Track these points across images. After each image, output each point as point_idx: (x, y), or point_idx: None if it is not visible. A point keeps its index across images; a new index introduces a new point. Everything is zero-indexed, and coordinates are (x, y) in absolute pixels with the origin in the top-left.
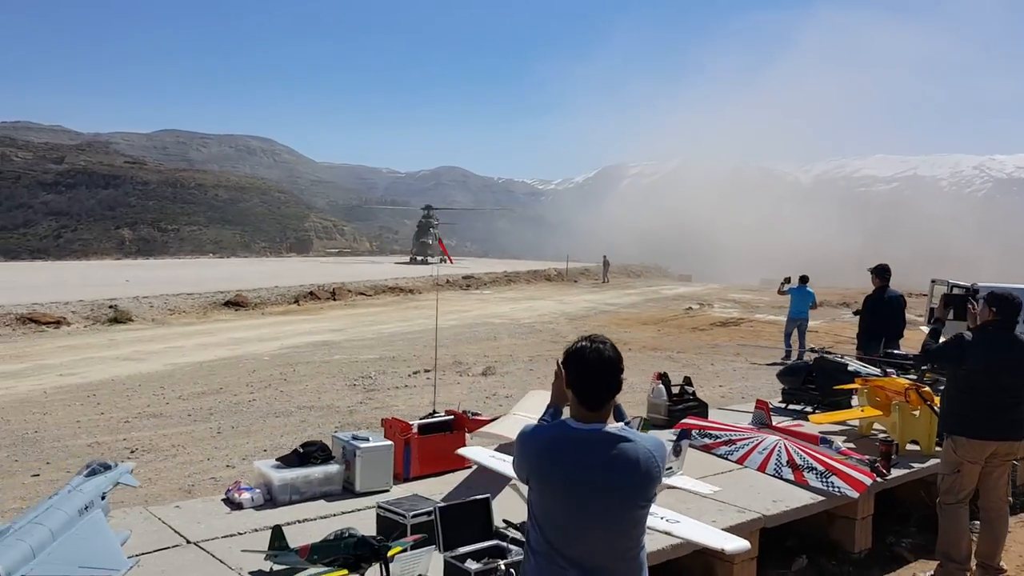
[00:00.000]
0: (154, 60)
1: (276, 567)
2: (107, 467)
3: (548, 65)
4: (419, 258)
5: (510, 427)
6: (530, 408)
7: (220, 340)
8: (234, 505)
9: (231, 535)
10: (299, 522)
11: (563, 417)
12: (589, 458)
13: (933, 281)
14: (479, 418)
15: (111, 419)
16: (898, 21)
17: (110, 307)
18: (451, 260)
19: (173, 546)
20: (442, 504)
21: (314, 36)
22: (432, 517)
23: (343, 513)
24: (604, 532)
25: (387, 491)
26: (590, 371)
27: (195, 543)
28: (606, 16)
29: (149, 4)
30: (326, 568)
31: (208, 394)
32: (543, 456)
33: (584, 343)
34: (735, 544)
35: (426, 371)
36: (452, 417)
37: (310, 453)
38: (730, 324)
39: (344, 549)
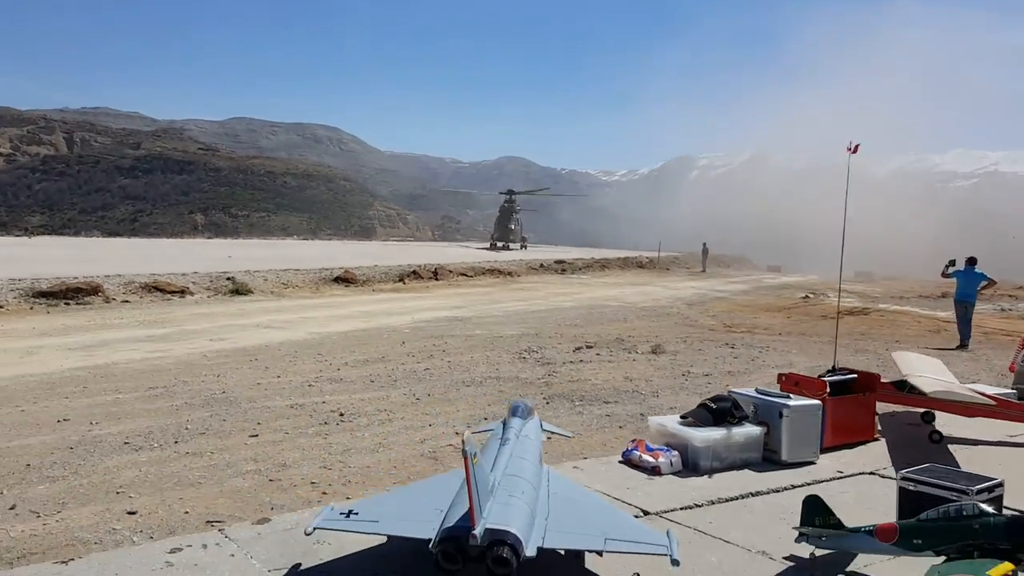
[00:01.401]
0: (226, 49)
1: (820, 550)
2: (528, 410)
3: (613, 55)
4: (500, 244)
5: (949, 386)
6: (923, 369)
7: (348, 313)
8: (644, 468)
9: (688, 507)
10: (744, 497)
11: None
12: None
13: None
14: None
15: (292, 383)
16: (982, 10)
17: (227, 279)
18: None
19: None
20: None
21: (379, 26)
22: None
23: (792, 487)
24: None
25: (814, 463)
26: None
27: (657, 514)
28: (676, 5)
29: None
30: (958, 556)
31: (373, 362)
32: None
33: None
34: None
35: (588, 347)
36: (855, 376)
37: (724, 410)
38: (858, 313)
39: (984, 533)
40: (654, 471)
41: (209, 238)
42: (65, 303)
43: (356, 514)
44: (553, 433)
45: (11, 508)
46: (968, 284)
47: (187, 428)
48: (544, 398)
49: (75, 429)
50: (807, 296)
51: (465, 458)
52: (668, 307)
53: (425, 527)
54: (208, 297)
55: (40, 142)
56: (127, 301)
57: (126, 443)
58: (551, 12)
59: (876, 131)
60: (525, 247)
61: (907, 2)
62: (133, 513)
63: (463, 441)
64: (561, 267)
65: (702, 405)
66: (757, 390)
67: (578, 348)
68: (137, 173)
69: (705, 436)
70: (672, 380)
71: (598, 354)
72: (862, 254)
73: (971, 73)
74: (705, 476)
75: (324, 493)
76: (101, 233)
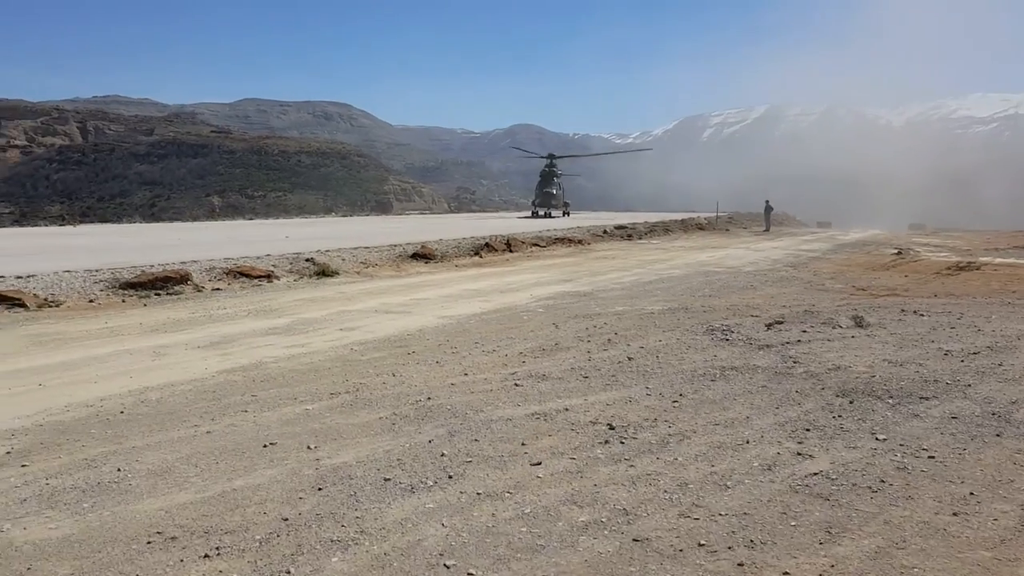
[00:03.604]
0: (231, 31)
1: None
2: None
3: (618, 15)
4: (541, 212)
5: None
6: None
7: (456, 292)
8: None
9: None
10: None
11: None
12: None
13: None
14: None
15: (488, 380)
16: None
17: (307, 261)
18: None
19: None
20: None
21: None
22: None
23: None
24: None
25: None
26: None
27: None
28: None
29: None
30: None
31: (551, 351)
32: None
33: None
34: None
35: (778, 322)
36: None
37: None
38: (970, 268)
39: None
40: None
41: (249, 219)
42: (155, 294)
43: None
44: None
45: None
46: None
47: (442, 455)
48: (836, 395)
49: (295, 457)
50: (899, 252)
51: None
52: (772, 270)
53: None
54: (295, 281)
55: (55, 132)
56: (218, 289)
57: (386, 480)
58: None
59: (890, 79)
60: (568, 214)
61: None
62: None
63: None
64: (626, 233)
65: None
66: None
67: (769, 325)
68: (152, 159)
69: None
70: (945, 362)
71: (804, 331)
72: (896, 207)
73: (990, 17)
74: None
75: (741, 564)
76: (142, 219)
